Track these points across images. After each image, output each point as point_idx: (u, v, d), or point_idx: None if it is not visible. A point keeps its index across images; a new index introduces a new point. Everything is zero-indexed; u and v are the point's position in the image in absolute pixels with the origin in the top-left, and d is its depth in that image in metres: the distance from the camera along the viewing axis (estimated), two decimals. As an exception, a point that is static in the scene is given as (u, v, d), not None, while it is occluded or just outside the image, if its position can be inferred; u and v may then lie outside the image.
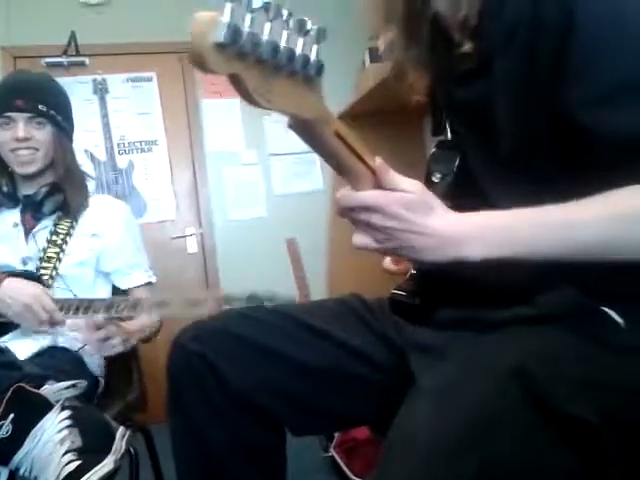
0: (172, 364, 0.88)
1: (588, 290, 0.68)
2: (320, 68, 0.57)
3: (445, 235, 0.67)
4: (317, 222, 3.37)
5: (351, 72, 3.31)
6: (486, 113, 0.75)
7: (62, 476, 0.87)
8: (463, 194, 0.74)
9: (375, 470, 0.62)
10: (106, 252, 1.45)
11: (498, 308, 0.74)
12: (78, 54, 3.24)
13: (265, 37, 0.51)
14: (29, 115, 1.38)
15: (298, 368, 0.87)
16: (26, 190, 1.45)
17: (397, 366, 0.85)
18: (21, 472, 0.90)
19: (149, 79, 3.41)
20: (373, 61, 2.98)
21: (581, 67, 0.65)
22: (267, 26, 0.52)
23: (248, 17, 0.50)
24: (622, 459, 0.62)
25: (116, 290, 1.49)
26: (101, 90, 3.31)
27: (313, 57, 0.56)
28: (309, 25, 0.55)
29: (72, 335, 1.33)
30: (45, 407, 0.93)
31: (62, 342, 1.31)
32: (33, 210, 1.43)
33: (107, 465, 0.91)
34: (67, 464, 0.88)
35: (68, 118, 1.48)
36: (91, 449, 0.92)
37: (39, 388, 0.96)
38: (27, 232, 1.43)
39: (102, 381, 1.35)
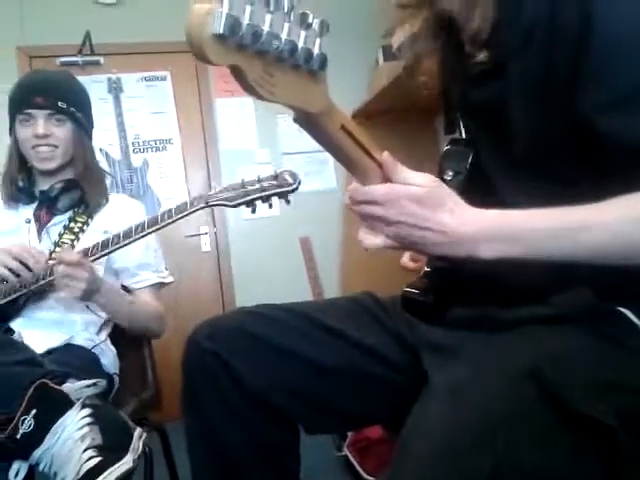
0: (186, 362, 0.89)
1: (604, 291, 0.68)
2: (323, 62, 0.57)
3: (456, 231, 0.66)
4: (330, 221, 3.37)
5: (364, 70, 3.31)
6: (501, 113, 0.75)
7: (82, 472, 0.88)
8: (475, 192, 0.74)
9: (388, 468, 0.62)
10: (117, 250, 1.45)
11: (512, 307, 0.74)
12: (93, 53, 3.27)
13: (266, 29, 0.51)
14: (49, 112, 1.38)
15: (313, 367, 0.87)
16: (44, 186, 1.46)
17: (410, 365, 0.85)
18: (41, 467, 0.91)
19: (163, 78, 3.43)
20: (386, 59, 2.97)
21: (597, 71, 0.65)
22: (268, 18, 0.51)
23: (248, 9, 0.50)
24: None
25: (125, 289, 1.49)
26: (116, 89, 3.33)
27: (316, 50, 0.56)
28: (311, 18, 0.54)
29: (86, 336, 1.34)
30: (66, 404, 0.94)
31: (77, 341, 1.32)
32: (48, 206, 1.44)
33: (126, 463, 0.92)
34: (87, 460, 0.88)
35: (88, 115, 1.49)
36: (111, 447, 0.92)
37: (60, 385, 0.97)
38: (41, 227, 1.44)
39: (117, 379, 1.36)
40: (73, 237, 1.40)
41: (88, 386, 1.03)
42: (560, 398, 0.60)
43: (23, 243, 1.37)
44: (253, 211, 1.23)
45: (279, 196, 1.21)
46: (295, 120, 0.62)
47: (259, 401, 0.85)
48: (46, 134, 1.38)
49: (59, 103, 1.39)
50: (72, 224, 1.40)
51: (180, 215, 1.22)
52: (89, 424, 0.93)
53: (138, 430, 1.00)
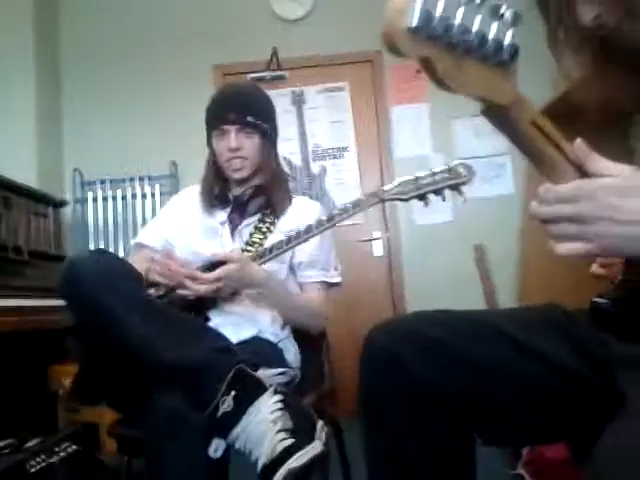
0: (364, 361, 0.90)
1: None
2: (514, 53, 0.56)
3: None
4: (506, 228, 3.23)
5: (547, 64, 3.12)
6: None
7: (277, 451, 0.95)
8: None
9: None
10: (296, 247, 1.54)
11: None
12: (279, 68, 3.51)
13: (457, 21, 0.52)
14: (239, 126, 1.51)
15: (494, 376, 0.84)
16: (236, 192, 1.60)
17: (600, 382, 0.79)
18: (237, 445, 1.00)
19: (342, 89, 3.57)
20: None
21: None
22: (459, 10, 0.52)
23: (441, 2, 0.51)
24: None
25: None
26: (298, 101, 3.54)
27: (507, 41, 0.55)
28: (503, 9, 0.54)
29: (271, 331, 1.43)
30: (260, 389, 1.03)
31: (265, 335, 1.42)
32: (240, 209, 1.58)
33: (316, 447, 0.98)
34: (281, 441, 0.96)
35: (273, 125, 1.60)
36: (300, 431, 0.99)
37: (255, 371, 1.06)
38: (234, 229, 1.57)
39: (298, 373, 1.43)
40: (262, 236, 1.51)
41: (279, 374, 1.10)
42: None
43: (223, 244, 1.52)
44: (426, 204, 1.23)
45: (452, 189, 1.19)
46: (482, 112, 0.61)
47: (436, 405, 0.84)
48: (238, 147, 1.51)
49: (248, 118, 1.51)
50: (261, 225, 1.51)
51: (356, 210, 1.27)
52: (280, 409, 1.00)
53: (320, 421, 1.05)
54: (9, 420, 1.92)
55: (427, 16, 0.50)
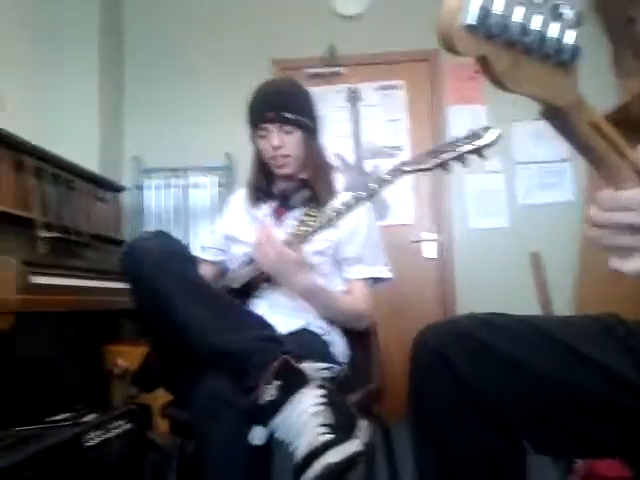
0: (414, 362, 0.90)
1: None
2: (575, 54, 0.54)
3: None
4: (564, 236, 3.13)
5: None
6: None
7: (316, 444, 0.95)
8: None
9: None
10: (340, 242, 1.53)
11: None
12: (335, 64, 3.51)
13: (515, 20, 0.51)
14: (279, 124, 1.52)
15: (546, 384, 0.82)
16: (281, 186, 1.62)
17: None
18: (276, 435, 1.01)
19: (398, 87, 3.54)
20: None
21: None
22: (518, 9, 0.51)
23: (499, 0, 0.50)
24: None
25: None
26: (354, 98, 3.54)
27: (568, 41, 0.53)
28: (565, 9, 0.52)
29: (318, 324, 1.44)
30: (304, 381, 1.03)
31: (312, 327, 1.43)
32: (284, 203, 1.59)
33: (356, 445, 0.97)
34: (321, 435, 0.96)
35: (313, 118, 1.59)
36: (341, 428, 0.98)
37: (299, 364, 1.06)
38: (278, 221, 1.59)
39: (345, 368, 1.44)
40: (306, 229, 1.51)
41: (324, 369, 1.11)
42: None
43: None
44: (447, 172, 1.20)
45: (476, 153, 1.16)
46: (542, 114, 0.59)
47: (484, 407, 0.83)
48: (279, 145, 1.53)
49: (287, 114, 1.51)
50: (305, 218, 1.52)
51: (382, 186, 1.29)
52: (323, 404, 1.00)
53: (364, 421, 1.05)
54: (65, 396, 2.00)
55: (485, 14, 0.50)
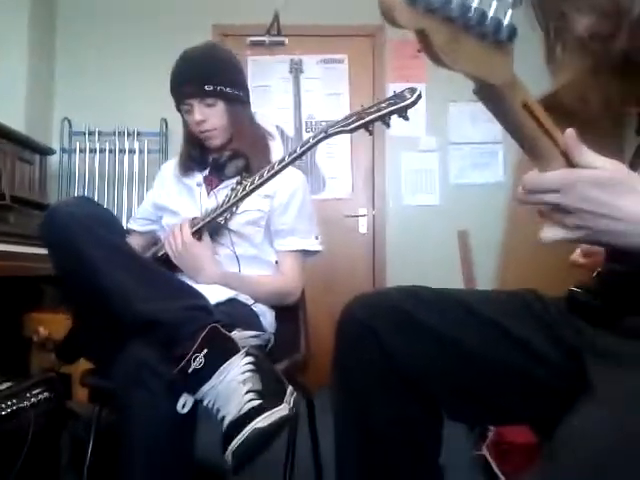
0: (341, 331, 0.91)
1: None
2: (512, 33, 0.56)
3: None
4: (492, 216, 3.25)
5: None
6: None
7: (244, 411, 0.96)
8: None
9: (537, 468, 0.60)
10: (273, 213, 1.53)
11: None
12: (279, 34, 3.45)
13: None
14: (199, 98, 1.48)
15: (465, 355, 0.86)
16: (214, 155, 1.59)
17: (569, 368, 0.81)
18: (205, 403, 1.01)
19: (341, 61, 3.53)
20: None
21: None
22: None
23: None
24: None
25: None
26: (296, 70, 3.50)
27: (506, 21, 0.55)
28: None
29: (245, 296, 1.44)
30: (233, 349, 1.03)
31: (241, 297, 1.43)
32: (217, 172, 1.57)
33: (283, 409, 0.99)
34: (249, 401, 0.97)
35: (237, 85, 1.54)
36: (269, 394, 1.00)
37: (230, 332, 1.06)
38: (210, 190, 1.57)
39: (272, 338, 1.45)
40: (237, 200, 1.49)
41: (253, 337, 1.11)
42: None
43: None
44: (370, 133, 1.22)
45: (397, 113, 1.18)
46: (475, 92, 0.60)
47: (407, 379, 0.86)
48: (202, 119, 1.49)
49: (205, 87, 1.47)
50: (238, 187, 1.50)
51: (304, 149, 1.28)
52: (251, 370, 1.01)
53: (290, 387, 1.07)
54: (-19, 363, 1.92)
55: None
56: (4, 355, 2.09)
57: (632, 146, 0.89)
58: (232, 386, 0.98)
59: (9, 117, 2.60)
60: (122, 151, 3.37)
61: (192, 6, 3.47)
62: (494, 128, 3.20)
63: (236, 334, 1.07)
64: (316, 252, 1.59)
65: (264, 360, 1.07)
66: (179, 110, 1.57)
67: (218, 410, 0.99)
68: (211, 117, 1.51)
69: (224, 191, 1.54)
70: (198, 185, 1.59)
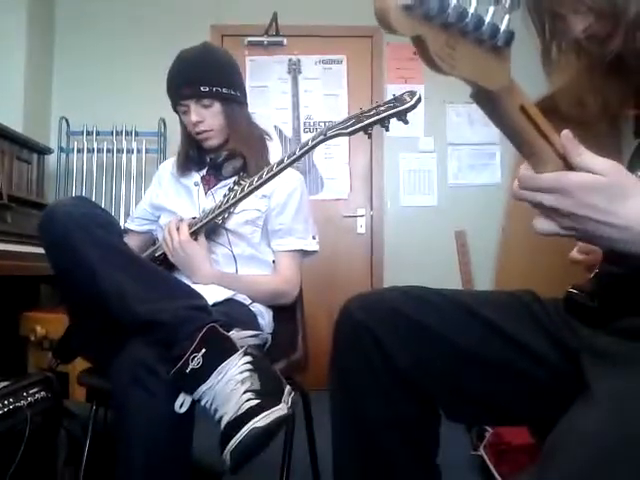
0: (338, 331, 0.91)
1: None
2: (509, 39, 0.55)
3: (634, 226, 0.60)
4: (490, 217, 3.24)
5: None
6: None
7: (242, 410, 0.96)
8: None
9: (534, 468, 0.61)
10: (270, 213, 1.53)
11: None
12: (277, 34, 3.45)
13: (453, 1, 0.51)
14: (195, 99, 1.49)
15: (463, 355, 0.86)
16: (212, 155, 1.59)
17: (567, 369, 0.81)
18: (203, 403, 1.01)
19: (339, 62, 3.53)
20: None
21: None
22: None
23: None
24: None
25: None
26: (295, 70, 3.50)
27: (503, 26, 0.55)
28: None
29: (242, 296, 1.44)
30: (231, 349, 1.03)
31: (239, 297, 1.43)
32: (214, 172, 1.57)
33: (282, 409, 0.99)
34: (247, 401, 0.97)
35: (234, 85, 1.54)
36: (267, 394, 1.00)
37: (227, 332, 1.07)
38: (208, 190, 1.57)
39: (269, 338, 1.45)
40: (236, 200, 1.49)
41: (251, 336, 1.11)
42: None
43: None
44: (369, 136, 1.22)
45: (397, 116, 1.18)
46: (472, 96, 0.60)
47: (404, 379, 0.86)
48: (199, 120, 1.50)
49: (201, 88, 1.48)
50: (236, 187, 1.50)
51: (303, 151, 1.27)
52: (249, 370, 1.01)
53: (288, 387, 1.07)
54: (-23, 362, 1.92)
55: None
56: (1, 354, 2.09)
57: (630, 148, 0.89)
58: (230, 386, 0.98)
59: (7, 116, 2.60)
60: (120, 151, 3.36)
61: (191, 6, 3.47)
62: (492, 130, 3.19)
63: (234, 334, 1.07)
64: (313, 252, 1.59)
65: (262, 360, 1.07)
66: (176, 111, 1.57)
67: (216, 410, 0.99)
68: (207, 118, 1.51)
69: (222, 191, 1.54)
70: (196, 185, 1.59)
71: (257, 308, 1.45)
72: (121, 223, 2.07)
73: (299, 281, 1.55)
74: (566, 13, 0.79)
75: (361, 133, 1.24)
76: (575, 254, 0.94)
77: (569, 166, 0.63)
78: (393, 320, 0.87)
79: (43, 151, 2.91)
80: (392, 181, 3.49)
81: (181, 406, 1.01)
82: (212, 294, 1.33)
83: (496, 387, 0.87)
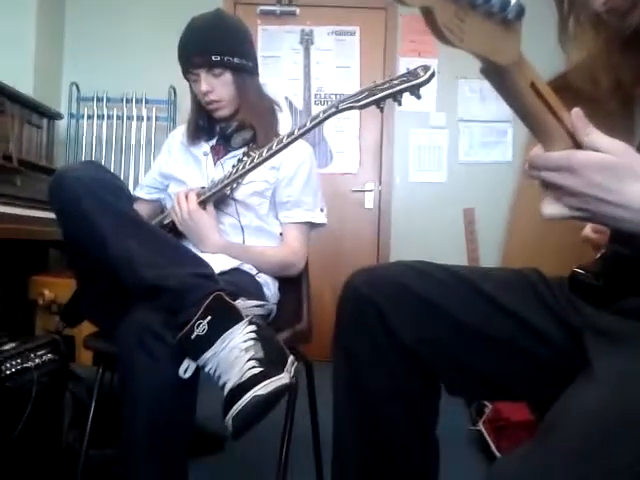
0: (343, 304, 0.92)
1: None
2: (520, 12, 0.55)
3: None
4: (499, 195, 3.24)
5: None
6: None
7: (245, 378, 0.97)
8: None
9: (531, 441, 0.61)
10: (280, 185, 1.52)
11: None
12: (290, 3, 3.40)
13: None
14: (207, 68, 1.47)
15: (465, 330, 0.86)
16: (222, 125, 1.57)
17: (569, 347, 0.81)
18: (206, 369, 1.02)
19: (352, 33, 3.48)
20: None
21: None
22: None
23: None
24: None
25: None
26: (307, 41, 3.45)
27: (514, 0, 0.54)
28: None
29: (248, 266, 1.45)
30: (237, 317, 1.03)
31: (245, 267, 1.44)
32: (224, 142, 1.56)
33: (284, 378, 1.00)
34: (250, 369, 0.98)
35: (245, 55, 1.53)
36: (270, 362, 1.01)
37: (234, 301, 1.07)
38: (217, 160, 1.56)
39: (274, 308, 1.46)
40: (245, 171, 1.49)
41: (257, 306, 1.12)
42: None
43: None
44: (381, 110, 1.21)
45: (410, 91, 1.17)
46: (482, 71, 0.60)
47: (407, 353, 0.86)
48: (209, 90, 1.48)
49: (213, 57, 1.46)
50: (245, 158, 1.49)
51: (314, 123, 1.26)
52: (253, 339, 1.02)
53: (291, 357, 1.08)
54: (-14, 324, 1.95)
55: None
56: (10, 317, 2.12)
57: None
58: (234, 353, 0.99)
59: (18, 81, 2.59)
60: (130, 118, 3.35)
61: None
62: (504, 107, 3.15)
63: (240, 303, 1.08)
64: (321, 225, 1.59)
65: (266, 329, 1.08)
66: (186, 79, 1.56)
67: (219, 376, 1.00)
68: (218, 87, 1.50)
69: (231, 161, 1.54)
70: (205, 154, 1.58)
71: (263, 278, 1.46)
72: (130, 191, 2.07)
73: (306, 253, 1.56)
74: None
75: (373, 107, 1.23)
76: (588, 231, 0.94)
77: (578, 145, 0.62)
78: (397, 294, 0.87)
79: (53, 116, 2.90)
80: (402, 156, 3.47)
81: (185, 371, 1.02)
82: (219, 263, 1.33)
83: (498, 364, 0.87)
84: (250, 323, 1.04)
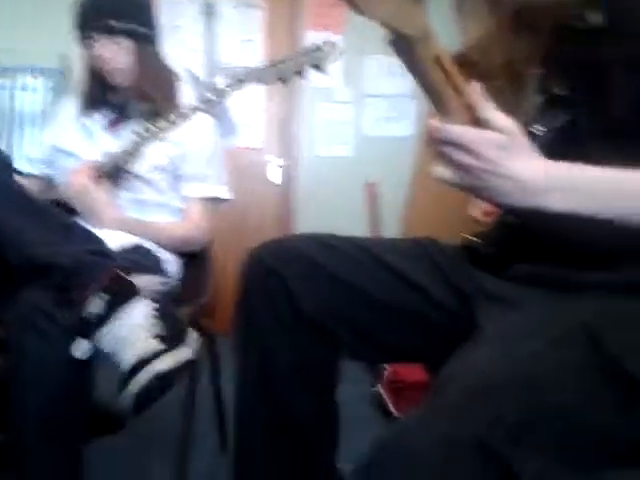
0: (246, 275, 0.93)
1: None
2: None
3: (526, 181, 0.65)
4: (402, 169, 3.32)
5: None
6: (606, 78, 0.72)
7: (145, 353, 0.96)
8: (564, 154, 0.71)
9: (427, 403, 0.64)
10: (182, 159, 1.49)
11: (580, 270, 0.73)
12: (192, -28, 3.27)
13: None
14: (105, 34, 1.41)
15: (365, 299, 0.89)
16: (118, 95, 1.51)
17: (464, 313, 0.86)
18: (103, 347, 0.99)
19: (257, 6, 3.41)
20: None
21: None
22: None
23: None
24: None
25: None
26: (208, 12, 3.35)
27: None
28: None
29: (149, 243, 1.41)
30: (134, 294, 1.02)
31: (145, 243, 1.39)
32: (120, 113, 1.51)
33: (184, 353, 1.00)
34: (149, 345, 0.97)
35: (146, 22, 1.48)
36: (170, 339, 1.00)
37: (130, 277, 1.04)
38: (113, 132, 1.50)
39: (178, 285, 1.43)
40: (137, 141, 1.43)
41: (156, 282, 1.10)
42: (613, 360, 0.59)
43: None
44: (285, 85, 1.24)
45: (315, 67, 1.19)
46: (389, 42, 0.61)
47: (310, 322, 0.88)
48: (108, 57, 1.43)
49: (112, 22, 1.40)
50: (143, 131, 1.44)
51: (216, 97, 1.29)
52: (152, 316, 1.00)
53: (194, 332, 1.07)
54: None
55: None
56: None
57: (531, 105, 0.93)
58: (132, 331, 0.97)
59: None
60: (16, 88, 3.14)
61: None
62: (407, 82, 3.24)
63: (139, 279, 1.05)
64: (225, 200, 1.57)
65: (167, 305, 1.07)
66: (83, 45, 1.47)
67: (116, 354, 0.98)
68: (117, 55, 1.43)
69: (127, 134, 1.48)
70: (100, 126, 1.51)
71: (164, 255, 1.43)
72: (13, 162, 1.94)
73: (208, 228, 1.54)
74: None
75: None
76: (479, 214, 0.99)
77: (475, 119, 0.66)
78: (300, 264, 0.89)
79: None
80: (308, 131, 3.47)
81: (80, 351, 0.99)
82: (118, 240, 1.29)
83: (397, 329, 0.91)
84: (149, 299, 1.01)
